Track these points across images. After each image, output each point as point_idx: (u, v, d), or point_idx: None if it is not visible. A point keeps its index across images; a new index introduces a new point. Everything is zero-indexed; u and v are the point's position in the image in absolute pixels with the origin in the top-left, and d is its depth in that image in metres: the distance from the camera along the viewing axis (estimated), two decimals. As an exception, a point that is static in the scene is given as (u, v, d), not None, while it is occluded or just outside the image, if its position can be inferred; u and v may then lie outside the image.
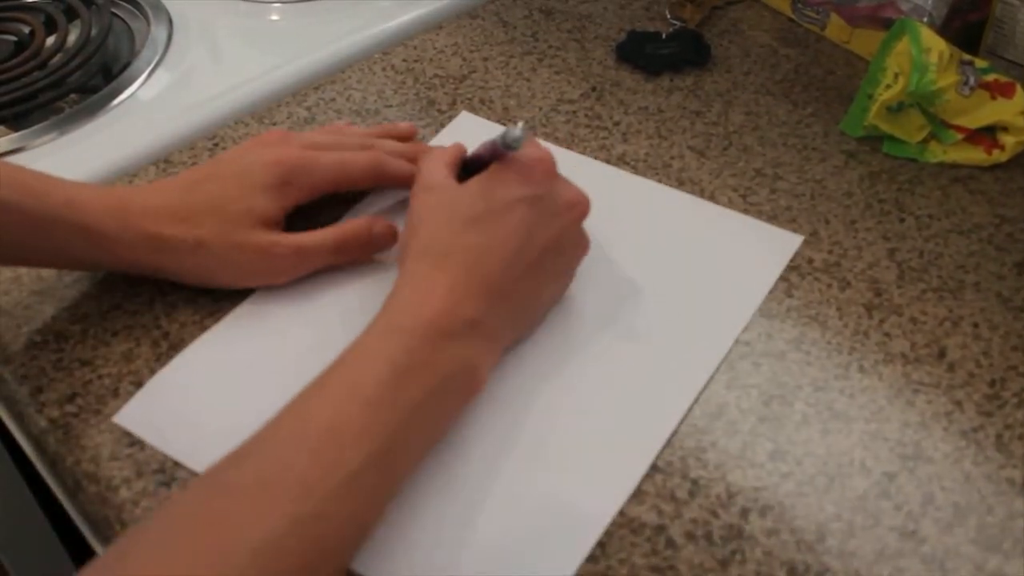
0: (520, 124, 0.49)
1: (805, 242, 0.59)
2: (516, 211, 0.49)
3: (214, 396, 0.52)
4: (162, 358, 0.53)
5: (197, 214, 0.53)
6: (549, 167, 0.51)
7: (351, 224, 0.57)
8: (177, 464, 0.48)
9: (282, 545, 0.37)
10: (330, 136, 0.59)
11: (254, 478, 0.40)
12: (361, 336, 0.46)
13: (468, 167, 0.54)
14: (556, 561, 0.44)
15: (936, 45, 0.63)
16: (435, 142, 0.67)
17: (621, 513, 0.46)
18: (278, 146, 0.57)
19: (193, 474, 0.48)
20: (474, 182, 0.51)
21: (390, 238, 0.57)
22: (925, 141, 0.66)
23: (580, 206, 0.52)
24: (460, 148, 0.55)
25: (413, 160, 0.62)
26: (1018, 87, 0.64)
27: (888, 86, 0.65)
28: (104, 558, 0.38)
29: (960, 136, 0.65)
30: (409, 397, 0.43)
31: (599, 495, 0.47)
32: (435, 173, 0.53)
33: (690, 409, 0.50)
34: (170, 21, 0.81)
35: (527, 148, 0.51)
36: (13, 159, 0.67)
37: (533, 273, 0.50)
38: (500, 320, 0.49)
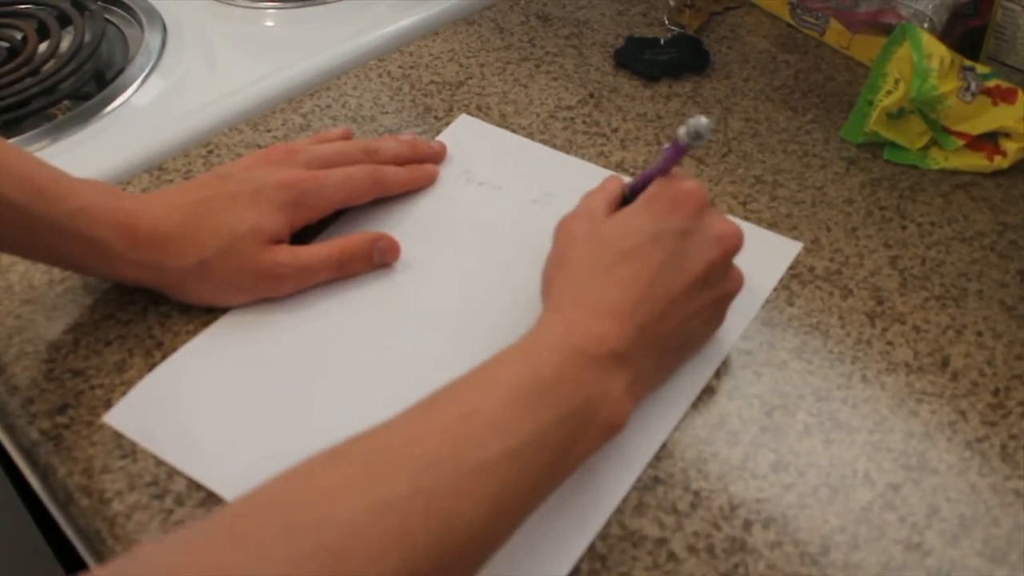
0: (704, 118, 0.46)
1: (806, 250, 0.59)
2: (664, 245, 0.47)
3: (205, 398, 0.51)
4: (155, 368, 0.52)
5: (205, 234, 0.52)
6: (701, 198, 0.49)
7: (354, 239, 0.56)
8: (171, 476, 0.48)
9: (402, 507, 0.36)
10: (332, 148, 0.59)
11: (377, 449, 0.39)
12: (504, 349, 0.44)
13: (628, 200, 0.51)
14: (547, 568, 0.44)
15: (937, 51, 0.63)
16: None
17: (622, 526, 0.45)
18: (286, 165, 0.56)
19: (188, 481, 0.47)
20: (622, 214, 0.49)
21: (393, 252, 0.57)
22: (926, 147, 0.65)
23: (731, 239, 0.49)
24: (619, 183, 0.53)
25: (414, 161, 0.62)
26: (1020, 93, 0.64)
27: (889, 92, 0.64)
28: (208, 525, 0.36)
29: (962, 142, 0.64)
30: (549, 407, 0.41)
31: (589, 504, 0.46)
32: (590, 207, 0.51)
33: (691, 419, 0.50)
34: (164, 27, 0.80)
35: (678, 178, 0.49)
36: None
37: (679, 309, 0.47)
38: (644, 355, 0.46)
